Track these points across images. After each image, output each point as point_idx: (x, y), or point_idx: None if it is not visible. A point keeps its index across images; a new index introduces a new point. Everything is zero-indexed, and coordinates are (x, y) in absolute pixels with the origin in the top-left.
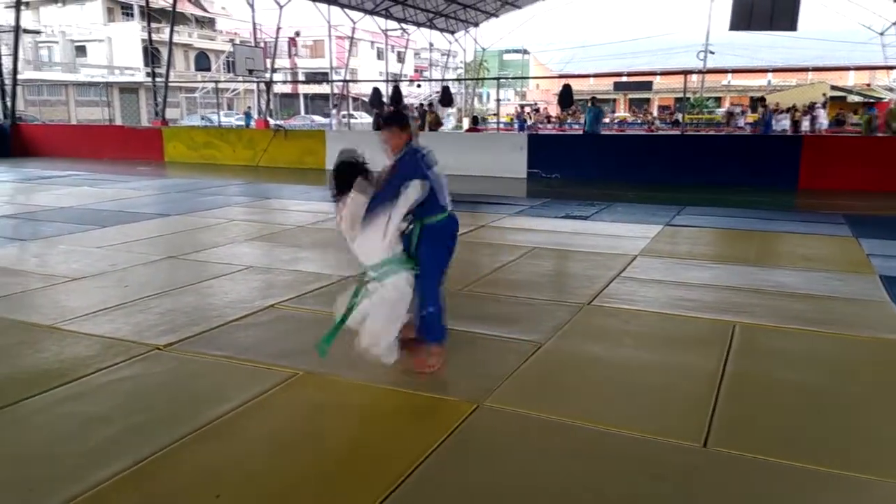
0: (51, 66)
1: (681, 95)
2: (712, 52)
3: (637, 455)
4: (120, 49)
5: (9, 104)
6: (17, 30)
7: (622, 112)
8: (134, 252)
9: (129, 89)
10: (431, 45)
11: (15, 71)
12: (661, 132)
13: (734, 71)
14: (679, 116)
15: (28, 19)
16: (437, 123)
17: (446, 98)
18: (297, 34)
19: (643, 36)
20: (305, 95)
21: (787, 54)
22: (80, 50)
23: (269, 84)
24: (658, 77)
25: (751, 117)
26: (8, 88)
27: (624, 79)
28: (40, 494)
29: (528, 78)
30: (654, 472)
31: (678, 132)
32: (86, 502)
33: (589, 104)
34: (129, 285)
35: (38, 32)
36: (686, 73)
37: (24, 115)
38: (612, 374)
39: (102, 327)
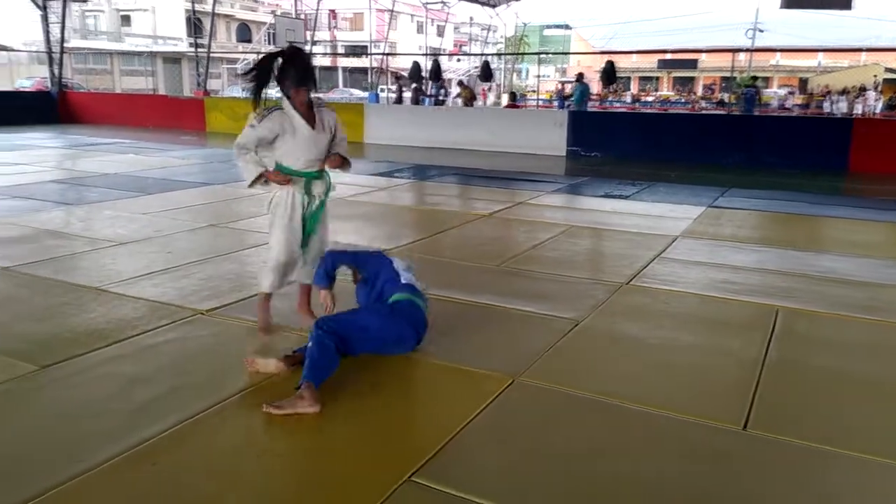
0: (97, 34)
1: (727, 74)
2: (761, 31)
3: (675, 435)
4: (164, 19)
5: (56, 72)
6: None
7: (666, 90)
8: (177, 219)
9: (172, 59)
10: (472, 19)
11: (62, 39)
12: (705, 111)
13: (783, 50)
14: (725, 96)
15: None
16: (471, 99)
17: (486, 73)
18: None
19: (689, 12)
20: (344, 69)
21: (837, 34)
22: (125, 19)
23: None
24: (704, 55)
25: (799, 98)
26: (56, 56)
27: (668, 56)
28: (88, 449)
29: (569, 54)
30: (693, 453)
31: (723, 112)
32: (132, 458)
33: (576, 81)
34: (173, 251)
35: (84, 1)
36: (734, 51)
37: (71, 83)
38: (650, 354)
39: (147, 291)
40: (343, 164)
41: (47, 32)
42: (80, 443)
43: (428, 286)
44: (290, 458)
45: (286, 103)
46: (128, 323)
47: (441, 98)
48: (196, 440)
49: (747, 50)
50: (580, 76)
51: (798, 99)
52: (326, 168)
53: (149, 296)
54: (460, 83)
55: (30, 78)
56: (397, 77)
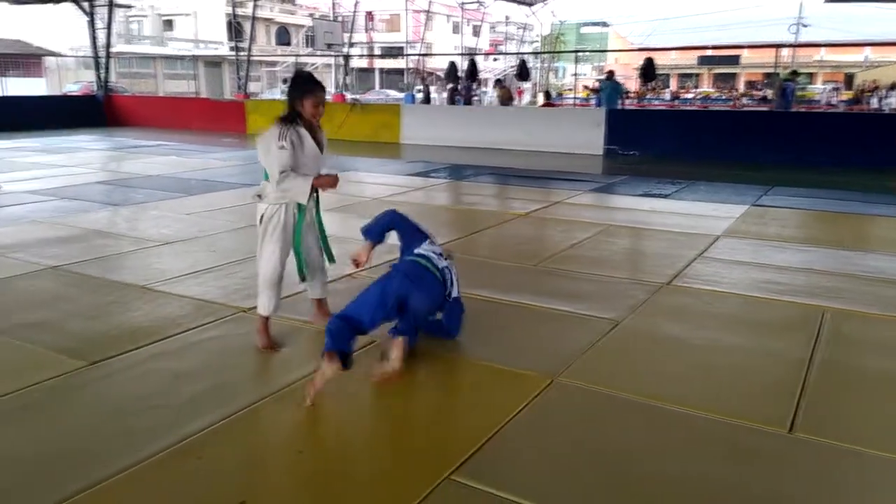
0: (140, 39)
1: (769, 71)
2: (805, 26)
3: (719, 438)
4: (205, 23)
5: (102, 76)
6: (110, 5)
7: (706, 87)
8: (219, 219)
9: (213, 63)
10: (507, 18)
11: (108, 44)
12: (747, 108)
13: (828, 45)
14: (767, 93)
15: None
16: (508, 98)
17: (523, 72)
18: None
19: (730, 8)
20: (381, 70)
21: (884, 28)
22: (168, 24)
23: (346, 58)
24: (745, 51)
25: (845, 94)
26: (102, 61)
27: (709, 53)
28: (136, 443)
29: (607, 51)
30: (738, 455)
31: (766, 108)
32: (180, 452)
33: (606, 79)
34: (216, 250)
35: (129, 7)
36: (777, 46)
37: (116, 87)
38: (692, 355)
39: (191, 289)
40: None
41: (94, 38)
42: (129, 436)
43: (452, 262)
44: (331, 454)
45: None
46: (173, 321)
47: (473, 95)
48: (239, 435)
49: (790, 45)
50: (610, 74)
51: (844, 95)
52: (324, 190)
53: (193, 294)
54: (498, 82)
55: (77, 82)
56: (423, 77)
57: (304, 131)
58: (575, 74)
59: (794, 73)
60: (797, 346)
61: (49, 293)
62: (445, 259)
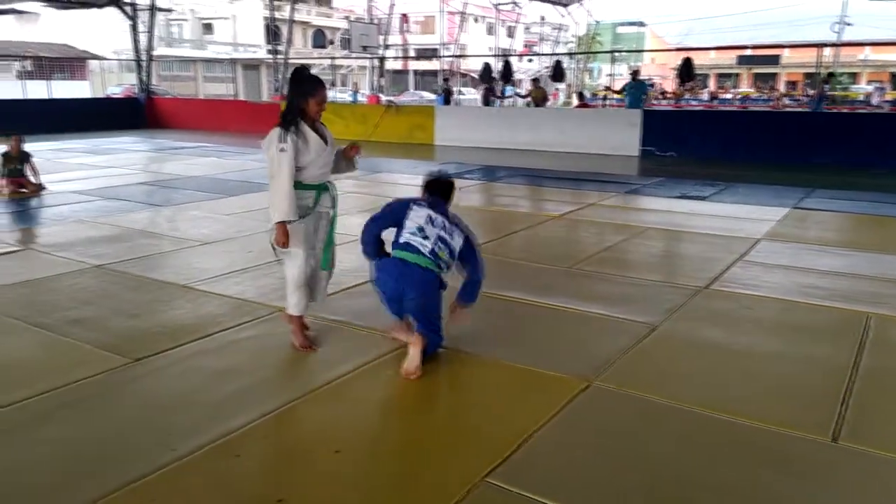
0: (181, 42)
1: (811, 71)
2: (848, 24)
3: (759, 445)
4: (243, 26)
5: (144, 79)
6: (152, 9)
7: (745, 87)
8: (258, 220)
9: (251, 66)
10: (542, 18)
11: (150, 47)
12: (788, 109)
13: (873, 44)
14: (809, 93)
15: None
16: (542, 99)
17: (558, 73)
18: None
19: (770, 6)
20: (415, 72)
21: None
22: (207, 27)
23: (381, 60)
24: (786, 51)
25: (890, 94)
26: (144, 64)
27: (748, 52)
28: (177, 438)
29: (643, 51)
30: (778, 463)
31: (807, 109)
32: (218, 450)
33: (631, 79)
34: (253, 251)
35: (170, 10)
36: (819, 45)
37: (157, 89)
38: (731, 360)
39: (230, 289)
40: (358, 149)
41: (136, 41)
42: (170, 433)
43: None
44: (367, 454)
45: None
46: (212, 319)
47: (501, 97)
48: (276, 434)
49: (833, 45)
50: (635, 74)
51: (889, 94)
52: (351, 157)
53: (231, 293)
54: (534, 81)
55: (119, 85)
56: (445, 78)
57: (306, 128)
58: (611, 75)
59: (830, 76)
60: (840, 352)
61: (93, 291)
62: (439, 219)
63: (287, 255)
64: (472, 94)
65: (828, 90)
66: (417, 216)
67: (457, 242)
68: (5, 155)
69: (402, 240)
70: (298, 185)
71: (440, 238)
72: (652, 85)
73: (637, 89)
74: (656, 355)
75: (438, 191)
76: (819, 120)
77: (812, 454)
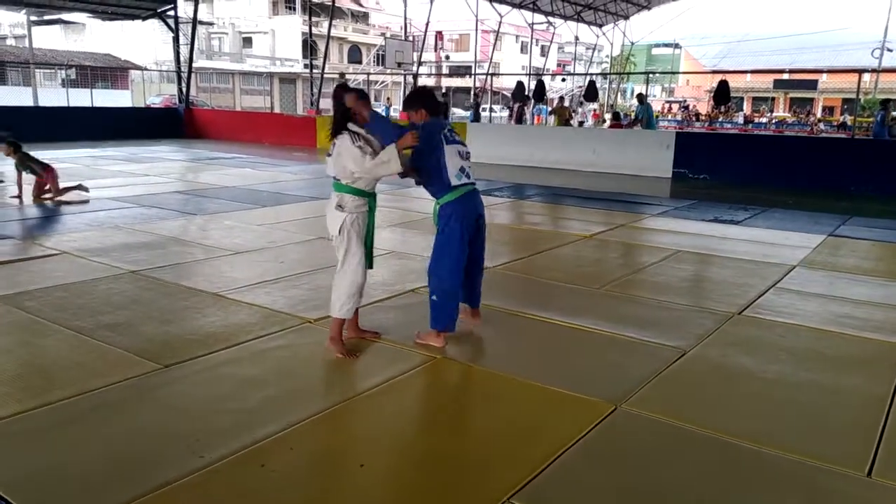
0: (220, 55)
1: (848, 96)
2: (890, 50)
3: (791, 477)
4: (282, 41)
5: (184, 90)
6: (194, 22)
7: (782, 112)
8: (289, 231)
9: (287, 79)
10: (577, 38)
11: (191, 60)
12: (825, 134)
13: None
14: (847, 118)
15: (203, 11)
16: (566, 122)
17: (591, 93)
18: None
19: (809, 31)
20: (448, 88)
21: None
22: (247, 41)
23: (415, 77)
24: (824, 76)
25: None
26: (184, 75)
27: (785, 76)
28: (205, 445)
29: (678, 73)
30: (812, 498)
31: (845, 135)
32: (246, 457)
33: (638, 103)
34: (284, 262)
35: (211, 24)
36: (860, 71)
37: (196, 101)
38: (762, 389)
39: (261, 298)
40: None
41: (177, 53)
42: (198, 439)
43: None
44: (392, 469)
45: (355, 127)
46: (242, 328)
47: (523, 115)
48: (302, 445)
49: (873, 70)
50: (641, 97)
51: None
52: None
53: (262, 303)
54: (560, 99)
55: (159, 95)
56: (476, 94)
57: (362, 132)
58: (644, 94)
59: (886, 102)
60: (876, 383)
61: (127, 297)
62: (464, 149)
63: (347, 255)
64: (499, 113)
65: (884, 116)
66: (451, 155)
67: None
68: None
69: (448, 181)
70: (357, 191)
71: (470, 168)
72: (687, 107)
73: (645, 112)
74: (685, 381)
75: (440, 109)
76: (856, 147)
77: (846, 489)
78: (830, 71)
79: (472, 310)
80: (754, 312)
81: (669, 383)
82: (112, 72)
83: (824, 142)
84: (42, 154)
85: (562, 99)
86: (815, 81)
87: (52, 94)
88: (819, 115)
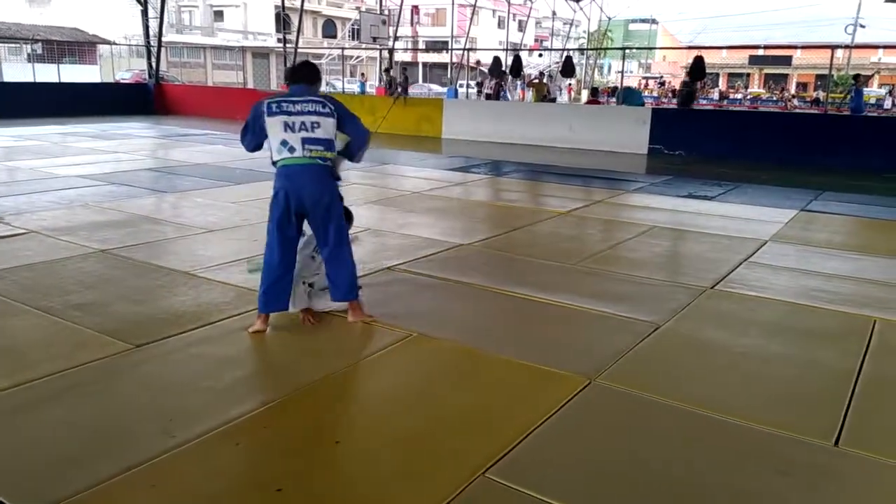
0: (191, 29)
1: (822, 72)
2: (862, 26)
3: (760, 448)
4: (254, 14)
5: (153, 65)
6: None
7: (756, 88)
8: (262, 209)
9: (260, 54)
10: (554, 13)
11: (160, 34)
12: (798, 110)
13: (886, 46)
14: (820, 94)
15: None
16: (543, 98)
17: (568, 69)
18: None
19: (784, 7)
20: (424, 64)
21: None
22: (218, 15)
23: (391, 52)
24: (798, 52)
25: None
26: (153, 50)
27: (760, 52)
28: (178, 425)
29: (654, 49)
30: (779, 467)
31: (818, 111)
32: (219, 436)
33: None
34: (258, 239)
35: None
36: (832, 47)
37: (166, 76)
38: (734, 362)
39: (234, 277)
40: None
41: (146, 27)
42: (170, 419)
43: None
44: (367, 447)
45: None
46: (216, 307)
47: (501, 91)
48: (276, 423)
49: (846, 46)
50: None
51: None
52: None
53: (236, 281)
54: (540, 75)
55: (128, 70)
56: (386, 69)
57: None
58: (621, 71)
59: (856, 77)
60: (845, 356)
61: (97, 276)
62: (297, 120)
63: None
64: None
65: (854, 90)
66: (273, 126)
67: (326, 131)
68: None
69: (276, 154)
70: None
71: (305, 140)
72: (663, 83)
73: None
74: (659, 355)
75: (303, 77)
76: (829, 123)
77: (813, 458)
78: (805, 47)
79: (349, 304)
80: (727, 287)
81: (643, 357)
82: (80, 46)
83: (798, 117)
84: (8, 132)
85: (542, 74)
86: (790, 57)
87: (18, 70)
88: (793, 91)
